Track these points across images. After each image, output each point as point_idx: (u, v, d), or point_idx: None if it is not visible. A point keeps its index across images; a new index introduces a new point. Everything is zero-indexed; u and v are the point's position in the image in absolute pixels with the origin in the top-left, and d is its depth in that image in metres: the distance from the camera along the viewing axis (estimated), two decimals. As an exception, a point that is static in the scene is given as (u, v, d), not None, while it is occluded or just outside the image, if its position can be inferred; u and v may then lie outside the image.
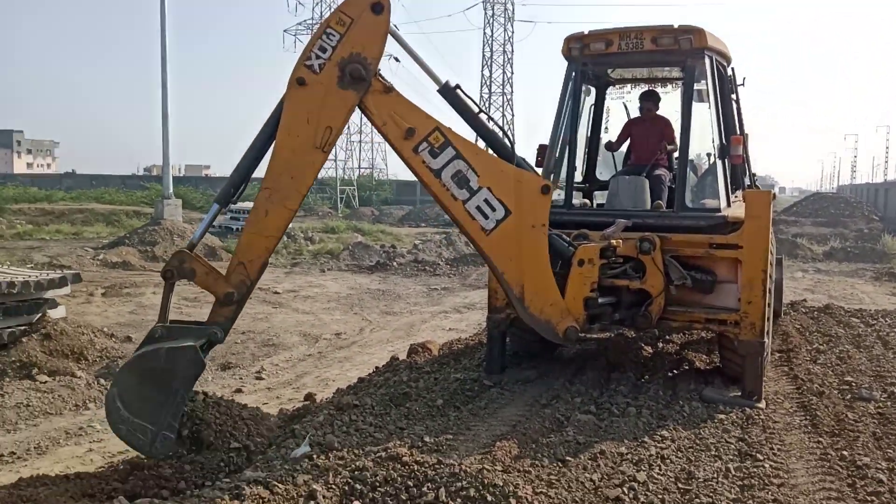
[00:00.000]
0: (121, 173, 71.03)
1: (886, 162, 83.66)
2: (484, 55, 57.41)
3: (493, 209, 4.79)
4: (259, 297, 13.52)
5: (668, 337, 8.07)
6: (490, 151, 5.02)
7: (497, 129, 5.03)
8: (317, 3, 57.28)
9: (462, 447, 4.72)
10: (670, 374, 6.71)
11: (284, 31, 59.07)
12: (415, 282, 16.14)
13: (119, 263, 17.15)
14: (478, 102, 4.93)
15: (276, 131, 4.45)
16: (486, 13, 57.35)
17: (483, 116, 4.96)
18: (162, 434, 4.12)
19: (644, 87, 7.79)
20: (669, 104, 7.40)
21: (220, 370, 8.55)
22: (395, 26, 4.61)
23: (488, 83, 57.73)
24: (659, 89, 7.69)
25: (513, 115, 57.32)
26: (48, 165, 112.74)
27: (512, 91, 57.63)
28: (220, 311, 4.41)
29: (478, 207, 4.78)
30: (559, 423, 5.23)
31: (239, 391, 7.72)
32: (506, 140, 5.01)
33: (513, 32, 57.71)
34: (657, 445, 4.75)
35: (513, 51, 57.73)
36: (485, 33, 57.38)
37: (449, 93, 4.87)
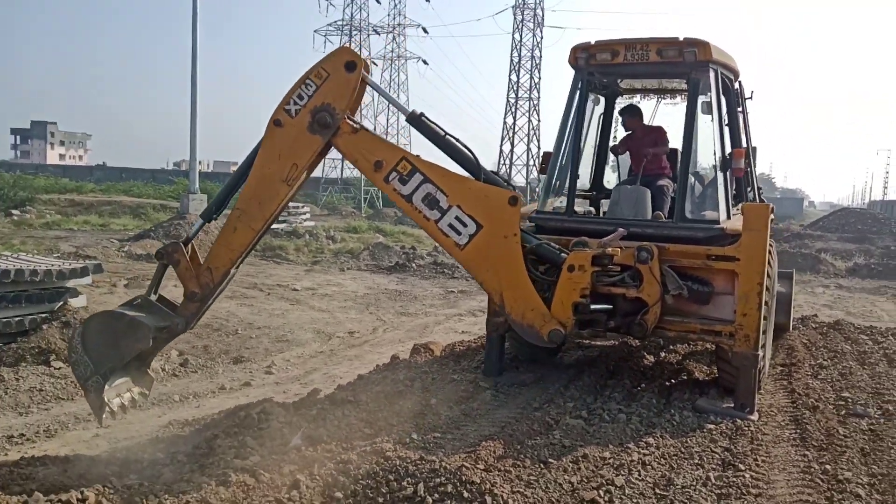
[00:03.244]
0: (150, 167, 72.26)
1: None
2: (512, 60, 57.21)
3: (465, 225, 5.05)
4: (277, 293, 13.76)
5: (671, 347, 8.10)
6: (462, 170, 5.29)
7: (463, 149, 5.25)
8: (347, 4, 57.89)
9: (448, 445, 4.83)
10: (667, 383, 6.76)
11: (315, 31, 59.73)
12: (432, 284, 16.27)
13: (143, 256, 17.50)
14: (442, 126, 5.26)
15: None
16: (515, 18, 57.20)
17: (450, 138, 5.23)
18: (96, 377, 4.62)
19: (660, 98, 7.87)
20: (678, 116, 7.47)
21: (233, 364, 8.77)
22: (374, 62, 5.30)
23: (515, 88, 57.46)
24: (668, 101, 7.76)
25: (539, 121, 56.72)
26: (80, 157, 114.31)
27: (539, 96, 57.14)
28: (187, 305, 4.96)
29: (450, 225, 5.06)
30: (548, 427, 5.31)
31: (247, 384, 7.92)
32: (472, 157, 5.24)
33: (541, 38, 57.27)
34: (640, 451, 4.81)
35: (541, 56, 57.42)
36: (514, 38, 57.09)
37: (415, 121, 5.22)
